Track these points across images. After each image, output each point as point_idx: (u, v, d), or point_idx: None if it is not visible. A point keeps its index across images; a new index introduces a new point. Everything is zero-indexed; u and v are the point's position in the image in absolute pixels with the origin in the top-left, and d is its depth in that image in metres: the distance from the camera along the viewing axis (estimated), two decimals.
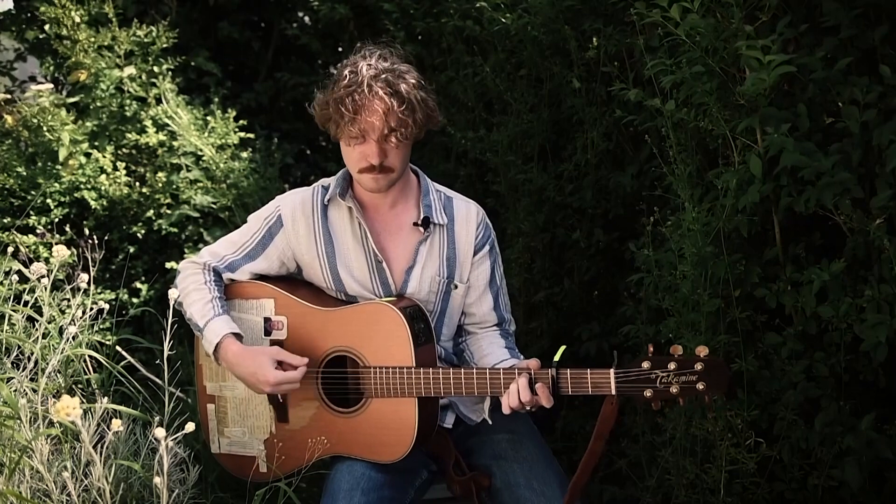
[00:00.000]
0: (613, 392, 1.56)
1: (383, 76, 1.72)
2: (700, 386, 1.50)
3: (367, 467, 1.72)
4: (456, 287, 1.88)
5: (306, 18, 4.73)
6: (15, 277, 2.05)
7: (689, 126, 1.94)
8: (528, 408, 1.63)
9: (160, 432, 1.48)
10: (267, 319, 1.85)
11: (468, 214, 1.90)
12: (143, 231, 3.57)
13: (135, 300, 3.47)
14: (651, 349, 1.55)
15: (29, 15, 3.91)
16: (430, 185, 1.91)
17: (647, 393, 1.53)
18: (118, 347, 2.35)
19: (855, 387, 1.76)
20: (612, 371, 1.56)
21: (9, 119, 3.57)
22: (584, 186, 2.68)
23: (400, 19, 3.84)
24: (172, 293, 1.87)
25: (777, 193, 1.77)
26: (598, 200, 2.67)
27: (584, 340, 2.64)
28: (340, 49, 4.80)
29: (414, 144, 1.84)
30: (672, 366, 1.52)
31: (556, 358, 1.63)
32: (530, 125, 2.88)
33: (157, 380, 1.98)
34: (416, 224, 1.84)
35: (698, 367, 1.50)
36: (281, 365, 1.74)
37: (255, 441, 1.87)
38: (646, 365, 1.53)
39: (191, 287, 1.85)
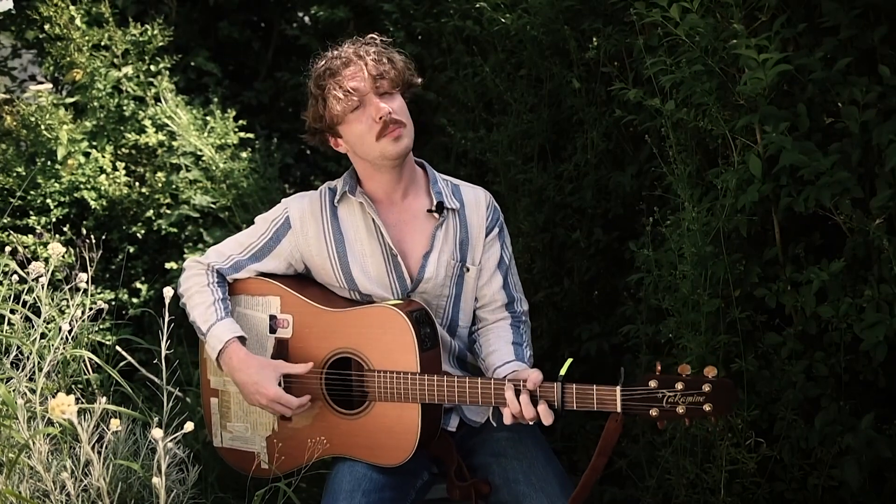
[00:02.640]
0: (619, 410, 1.55)
1: (346, 45, 1.82)
2: (707, 407, 1.49)
3: (369, 468, 1.73)
4: (468, 270, 1.89)
5: (306, 18, 4.73)
6: (15, 277, 2.05)
7: (688, 126, 1.94)
8: (529, 422, 1.63)
9: (158, 433, 1.48)
10: (272, 317, 1.85)
11: (477, 199, 1.92)
12: (142, 231, 3.57)
13: (134, 300, 3.47)
14: (658, 367, 1.53)
15: (27, 14, 3.92)
16: (437, 175, 1.93)
17: (653, 412, 1.52)
18: (118, 347, 2.35)
19: (855, 387, 1.76)
20: (618, 388, 1.54)
21: (7, 119, 3.57)
22: (584, 186, 2.68)
23: (400, 19, 3.84)
24: (167, 291, 1.87)
25: (777, 193, 1.76)
26: (598, 200, 2.67)
27: (584, 340, 2.64)
28: None
29: (414, 144, 1.85)
30: (679, 386, 1.50)
31: (562, 372, 1.61)
32: (530, 125, 2.88)
33: (157, 380, 1.97)
34: (430, 211, 1.86)
35: (706, 388, 1.49)
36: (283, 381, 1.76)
37: (258, 437, 1.87)
38: (653, 384, 1.52)
39: (193, 289, 1.85)
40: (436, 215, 1.85)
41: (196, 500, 1.86)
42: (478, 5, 3.00)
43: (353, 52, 1.79)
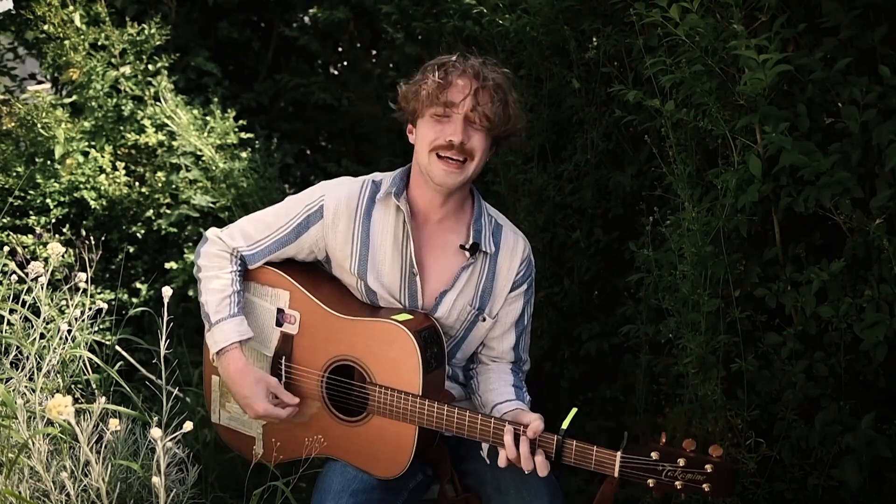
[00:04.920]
0: (616, 475, 1.52)
1: (477, 61, 1.74)
2: (705, 487, 1.46)
3: (360, 469, 1.73)
4: (484, 320, 1.84)
5: (306, 19, 4.73)
6: (14, 277, 2.05)
7: (688, 126, 1.94)
8: (526, 471, 1.59)
9: (157, 432, 1.47)
10: (280, 311, 1.83)
11: (515, 247, 1.85)
12: (142, 231, 3.57)
13: (134, 300, 3.47)
14: (664, 439, 1.50)
15: (26, 14, 3.92)
16: (484, 209, 1.85)
17: (650, 482, 1.50)
18: (118, 347, 2.34)
19: (855, 386, 1.76)
20: (618, 454, 1.52)
21: (6, 119, 3.57)
22: (584, 186, 2.68)
23: (399, 20, 3.84)
24: (167, 291, 1.85)
25: (777, 193, 1.76)
26: (598, 200, 2.67)
27: (584, 340, 2.64)
28: (340, 49, 4.80)
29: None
30: (681, 462, 1.48)
31: (564, 425, 1.58)
32: (530, 125, 2.87)
33: (156, 379, 1.97)
34: (462, 247, 1.79)
35: (708, 468, 1.46)
36: (275, 396, 1.77)
37: (255, 423, 1.87)
38: (654, 455, 1.49)
39: (214, 271, 1.80)
40: (467, 254, 1.79)
41: (195, 500, 1.86)
42: (475, 11, 3.00)
43: (478, 70, 1.70)
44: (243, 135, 3.83)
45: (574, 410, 1.61)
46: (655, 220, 2.01)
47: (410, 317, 1.75)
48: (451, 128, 1.69)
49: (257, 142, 3.98)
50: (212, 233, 1.85)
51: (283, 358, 1.82)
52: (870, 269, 1.69)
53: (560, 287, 2.80)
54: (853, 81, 1.64)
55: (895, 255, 1.59)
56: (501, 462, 1.61)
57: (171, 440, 1.58)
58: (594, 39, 2.53)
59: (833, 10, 1.67)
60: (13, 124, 3.54)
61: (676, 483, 1.48)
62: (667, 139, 1.99)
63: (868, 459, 1.66)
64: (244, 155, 3.75)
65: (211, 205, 3.59)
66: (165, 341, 1.85)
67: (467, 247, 1.78)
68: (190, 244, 3.59)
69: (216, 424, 1.94)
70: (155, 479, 1.51)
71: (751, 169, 1.73)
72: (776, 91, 1.73)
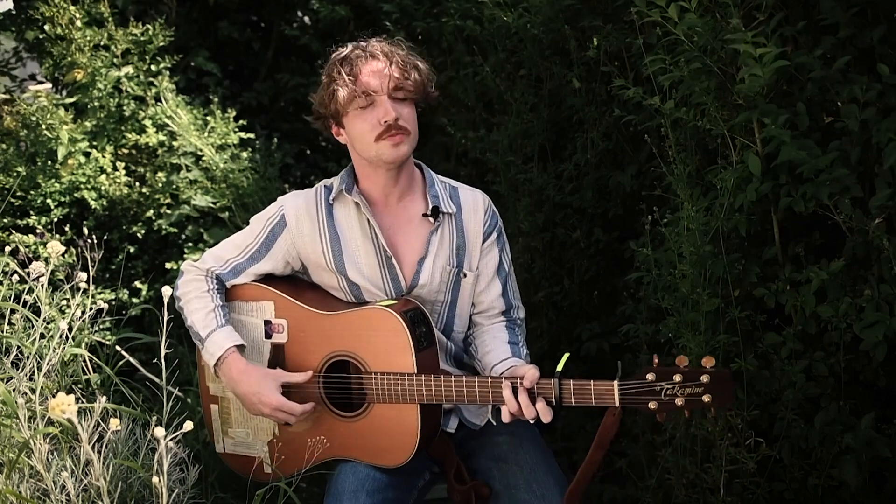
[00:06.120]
0: (617, 404, 1.53)
1: (374, 40, 1.79)
2: (706, 398, 1.48)
3: (371, 468, 1.72)
4: (465, 276, 1.87)
5: (306, 18, 4.74)
6: (15, 277, 2.05)
7: (687, 125, 1.94)
8: (530, 420, 1.61)
9: (159, 432, 1.47)
10: (267, 322, 1.84)
11: (475, 203, 1.89)
12: (142, 231, 3.58)
13: (135, 300, 3.47)
14: (656, 360, 1.52)
15: (28, 14, 3.92)
16: (435, 177, 1.90)
17: (652, 405, 1.51)
18: (118, 347, 2.35)
19: (855, 386, 1.76)
20: (615, 383, 1.53)
21: (7, 119, 3.57)
22: (584, 186, 2.68)
23: (400, 19, 3.84)
24: (167, 291, 1.86)
25: (776, 193, 1.76)
26: (598, 200, 2.67)
27: (585, 340, 2.64)
28: None
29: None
30: (677, 378, 1.49)
31: (559, 367, 1.60)
32: (530, 125, 2.88)
33: (157, 379, 1.97)
34: (425, 215, 1.83)
35: (704, 379, 1.47)
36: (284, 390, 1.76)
37: (259, 443, 1.87)
38: (650, 377, 1.51)
39: (192, 294, 1.84)
40: (431, 220, 1.83)
41: (196, 500, 1.86)
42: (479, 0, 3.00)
43: (380, 49, 1.76)
44: (243, 135, 3.83)
45: (567, 355, 1.63)
46: (655, 220, 2.01)
47: (394, 301, 1.78)
48: (381, 110, 1.73)
49: (257, 142, 3.98)
50: (185, 265, 1.90)
51: (278, 369, 1.82)
52: (869, 269, 1.69)
53: (560, 287, 2.81)
54: (852, 79, 1.64)
55: (895, 254, 1.59)
56: (505, 417, 1.63)
57: (171, 440, 1.59)
58: (595, 38, 2.53)
59: (831, 8, 1.67)
60: (15, 124, 3.55)
61: (677, 401, 1.49)
62: (666, 139, 1.99)
63: (868, 459, 1.66)
64: (244, 155, 3.75)
65: (211, 205, 3.59)
66: (165, 341, 1.86)
67: (429, 213, 1.83)
68: (190, 244, 3.59)
69: (222, 454, 1.93)
70: (156, 479, 1.51)
71: (750, 168, 1.73)
72: (775, 90, 1.73)
